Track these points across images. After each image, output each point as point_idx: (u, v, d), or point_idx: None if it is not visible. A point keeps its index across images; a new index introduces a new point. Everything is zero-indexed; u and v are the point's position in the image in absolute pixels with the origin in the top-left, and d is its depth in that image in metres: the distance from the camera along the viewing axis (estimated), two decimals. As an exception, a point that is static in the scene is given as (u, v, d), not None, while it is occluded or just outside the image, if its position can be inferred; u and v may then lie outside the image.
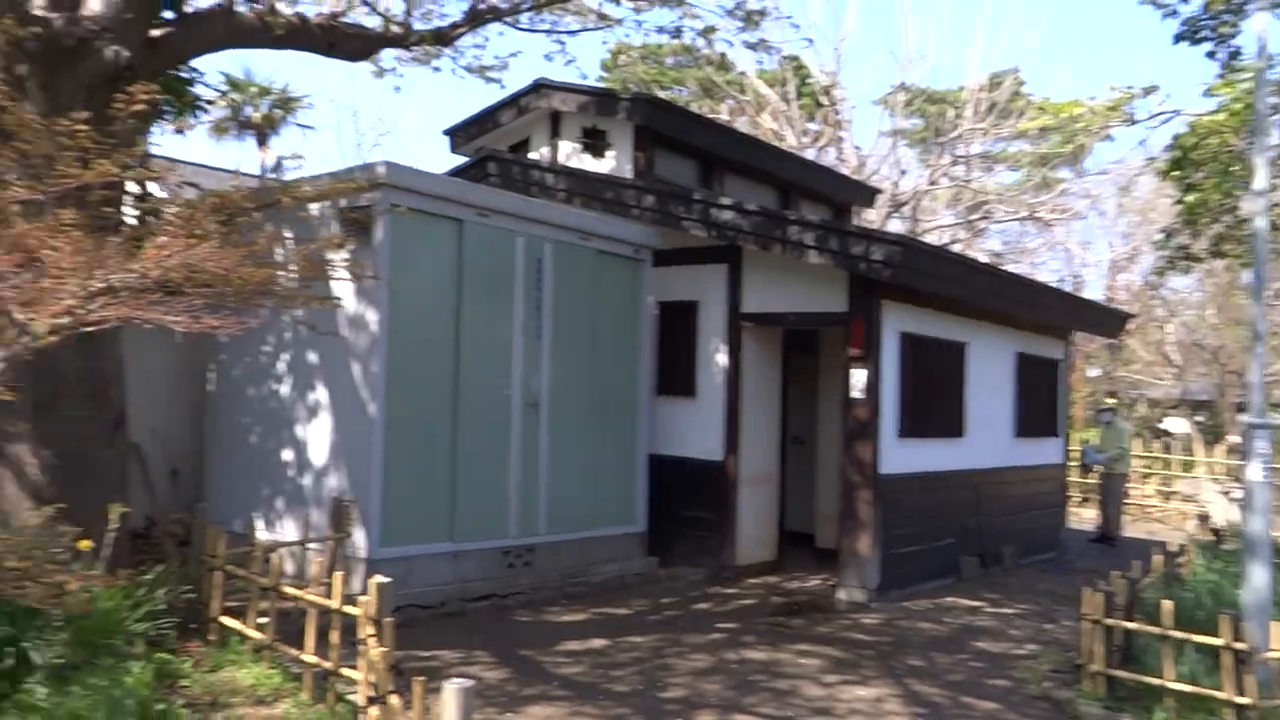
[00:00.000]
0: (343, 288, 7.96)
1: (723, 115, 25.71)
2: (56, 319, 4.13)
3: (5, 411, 6.26)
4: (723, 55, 21.47)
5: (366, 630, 5.33)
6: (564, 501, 9.48)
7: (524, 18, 9.33)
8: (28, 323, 4.18)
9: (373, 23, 8.81)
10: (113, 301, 4.25)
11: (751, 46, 10.46)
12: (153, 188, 7.57)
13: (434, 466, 8.39)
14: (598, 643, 7.53)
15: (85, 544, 5.71)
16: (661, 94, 24.80)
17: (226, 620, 6.53)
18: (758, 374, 10.75)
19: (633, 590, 9.56)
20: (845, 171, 22.86)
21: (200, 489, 9.71)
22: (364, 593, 5.41)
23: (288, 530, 8.62)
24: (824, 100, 25.03)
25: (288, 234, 7.99)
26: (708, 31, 9.96)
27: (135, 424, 7.58)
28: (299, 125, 25.74)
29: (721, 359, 10.59)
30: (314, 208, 8.25)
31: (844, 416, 9.73)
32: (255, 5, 7.62)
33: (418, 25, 8.81)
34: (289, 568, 8.05)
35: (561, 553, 9.43)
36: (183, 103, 9.84)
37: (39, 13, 6.26)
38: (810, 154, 24.28)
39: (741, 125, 25.04)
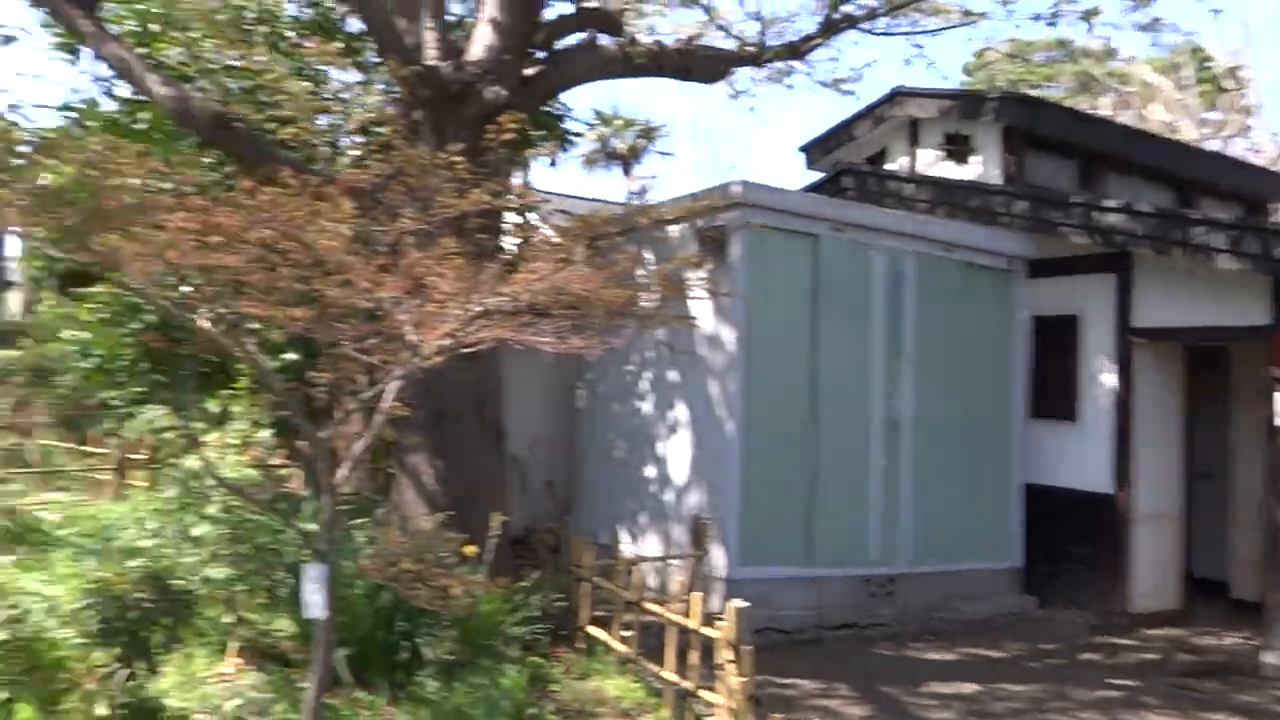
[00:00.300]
0: (700, 307, 8.03)
1: (1103, 111, 23.42)
2: (441, 340, 4.41)
3: (404, 426, 6.96)
4: (1106, 43, 19.55)
5: (725, 655, 5.23)
6: (929, 530, 8.89)
7: (880, 22, 8.95)
8: (419, 344, 4.51)
9: (728, 45, 8.88)
10: (488, 324, 4.49)
11: (1143, 28, 9.30)
12: (526, 215, 8.10)
13: (791, 487, 8.20)
14: (969, 687, 6.92)
15: (470, 550, 6.12)
16: (1031, 93, 23.06)
17: (594, 630, 6.74)
18: (1153, 396, 9.46)
19: (1006, 631, 8.73)
20: (1259, 163, 19.88)
21: (571, 500, 10.24)
22: (722, 612, 5.33)
23: (650, 544, 8.82)
24: (1228, 84, 22.01)
25: (648, 255, 8.21)
26: (1090, 15, 8.97)
27: (513, 438, 8.11)
28: (660, 153, 26.99)
29: (1108, 379, 9.45)
30: (673, 230, 8.42)
31: (1268, 448, 8.27)
32: (617, 38, 7.93)
33: (771, 42, 8.73)
34: (651, 581, 8.21)
35: (926, 584, 8.84)
36: (555, 137, 10.51)
37: (431, 63, 6.91)
38: (1213, 145, 21.41)
39: (1126, 120, 22.66)
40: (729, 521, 7.89)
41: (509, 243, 7.51)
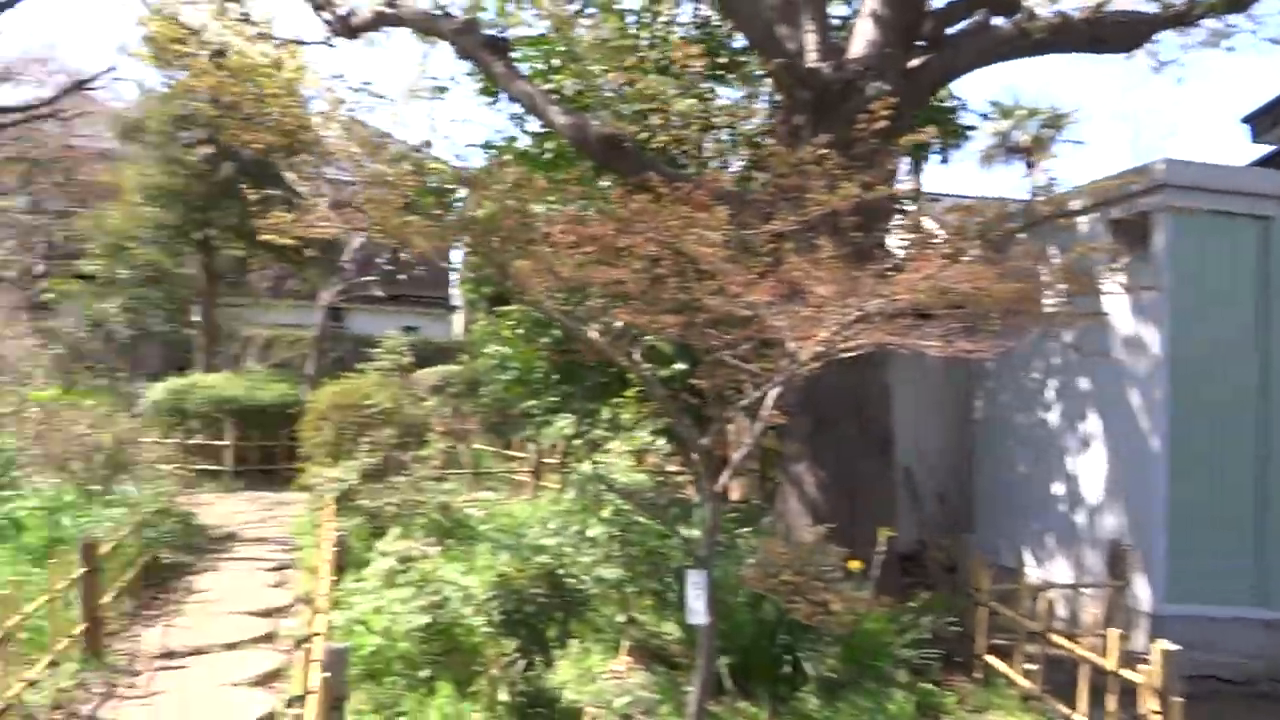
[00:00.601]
0: (1115, 305, 7.15)
1: None
2: (818, 346, 4.25)
3: (785, 434, 6.88)
4: None
5: (1150, 703, 4.55)
6: None
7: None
8: (797, 351, 4.39)
9: (1148, 9, 7.82)
10: (867, 327, 4.25)
11: None
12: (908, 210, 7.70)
13: (1235, 514, 7.03)
14: None
15: (855, 564, 5.88)
16: None
17: (992, 660, 6.19)
18: None
19: None
20: None
21: (966, 515, 9.59)
22: (1146, 653, 4.66)
23: (1057, 569, 8.00)
24: None
25: (1051, 251, 7.46)
26: None
27: (901, 446, 7.73)
28: (1069, 142, 24.77)
29: None
30: (1081, 221, 7.59)
31: None
32: (1013, 15, 7.29)
33: (1204, -5, 7.54)
34: (1060, 611, 7.43)
35: None
36: (946, 133, 9.94)
37: (811, 65, 6.79)
38: None
39: None
40: (1154, 549, 6.92)
41: (893, 242, 7.18)
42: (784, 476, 7.17)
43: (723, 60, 9.09)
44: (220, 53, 7.63)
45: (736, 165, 8.88)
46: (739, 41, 9.47)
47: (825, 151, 4.26)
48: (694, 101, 8.44)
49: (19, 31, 44.46)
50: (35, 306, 18.99)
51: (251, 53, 6.01)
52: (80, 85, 17.48)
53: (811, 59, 6.90)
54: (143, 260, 17.56)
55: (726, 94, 9.71)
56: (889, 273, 4.54)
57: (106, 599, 6.21)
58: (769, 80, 8.32)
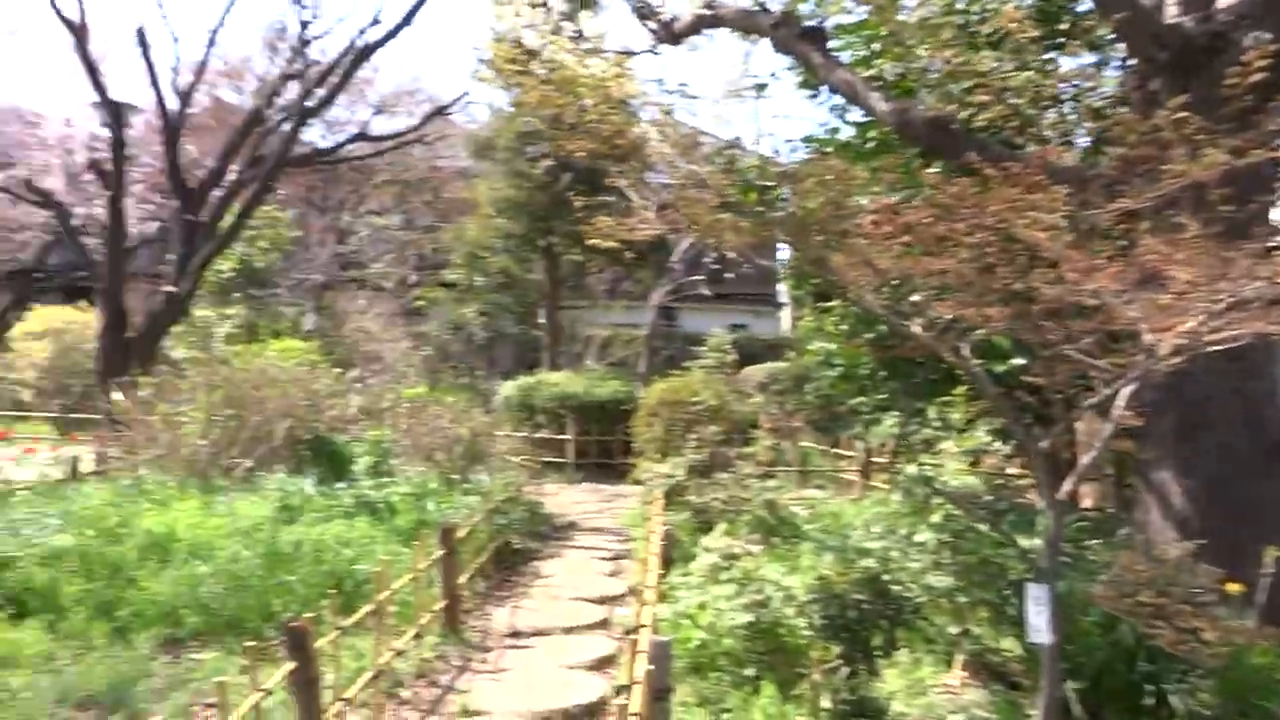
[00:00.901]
0: None
1: None
2: (1179, 339, 3.73)
3: (1143, 437, 6.14)
4: None
5: None
6: None
7: None
8: (1155, 344, 3.88)
9: None
10: (1243, 316, 3.66)
11: None
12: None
13: None
14: None
15: (1234, 587, 5.14)
16: None
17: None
18: None
19: None
20: None
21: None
22: None
23: None
24: None
25: None
26: None
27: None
28: None
29: None
30: None
31: None
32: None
33: None
34: None
35: None
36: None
37: (1171, 21, 6.00)
38: None
39: None
40: None
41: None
42: (1143, 483, 6.41)
43: (1063, 26, 8.29)
44: (554, 70, 8.12)
45: (1082, 141, 8.08)
46: (1084, 5, 8.63)
47: (1184, 115, 3.69)
48: (1030, 74, 7.78)
49: (392, 68, 50.19)
50: (409, 313, 21.41)
51: (575, 66, 6.31)
52: (441, 111, 19.36)
53: (1171, 15, 6.10)
54: (496, 268, 19.25)
55: (1070, 64, 8.88)
56: (1273, 251, 3.89)
57: (463, 579, 6.79)
58: (1119, 45, 7.49)
